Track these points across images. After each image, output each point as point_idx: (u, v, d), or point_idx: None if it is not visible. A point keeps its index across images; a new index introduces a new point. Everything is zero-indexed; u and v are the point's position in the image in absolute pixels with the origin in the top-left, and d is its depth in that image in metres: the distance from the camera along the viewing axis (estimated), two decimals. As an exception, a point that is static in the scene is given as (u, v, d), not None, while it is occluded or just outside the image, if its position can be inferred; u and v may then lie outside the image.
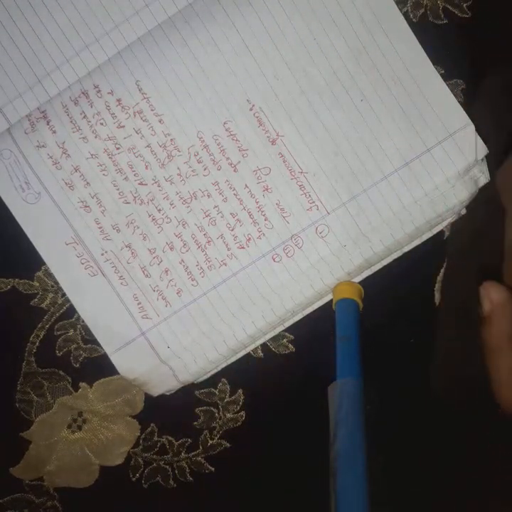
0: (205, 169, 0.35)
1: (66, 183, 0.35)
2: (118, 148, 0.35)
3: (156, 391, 0.37)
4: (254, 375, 0.38)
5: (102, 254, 0.36)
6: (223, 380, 0.38)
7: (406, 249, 0.36)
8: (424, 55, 0.34)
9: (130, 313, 0.36)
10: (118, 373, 0.36)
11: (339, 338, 0.33)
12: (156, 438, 0.39)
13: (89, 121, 0.35)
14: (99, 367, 0.37)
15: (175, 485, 0.39)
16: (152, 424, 0.39)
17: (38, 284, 0.37)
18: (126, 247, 0.36)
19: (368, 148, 0.35)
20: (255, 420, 0.39)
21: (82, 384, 0.38)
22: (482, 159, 0.35)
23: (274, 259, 0.36)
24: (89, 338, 0.37)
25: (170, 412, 0.38)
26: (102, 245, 0.36)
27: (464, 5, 0.35)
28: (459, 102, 0.35)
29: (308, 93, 0.35)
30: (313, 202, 0.35)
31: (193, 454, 0.39)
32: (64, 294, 0.37)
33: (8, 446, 0.39)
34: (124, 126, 0.35)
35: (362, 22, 0.34)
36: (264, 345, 0.38)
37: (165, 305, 0.36)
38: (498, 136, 0.34)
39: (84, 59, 0.35)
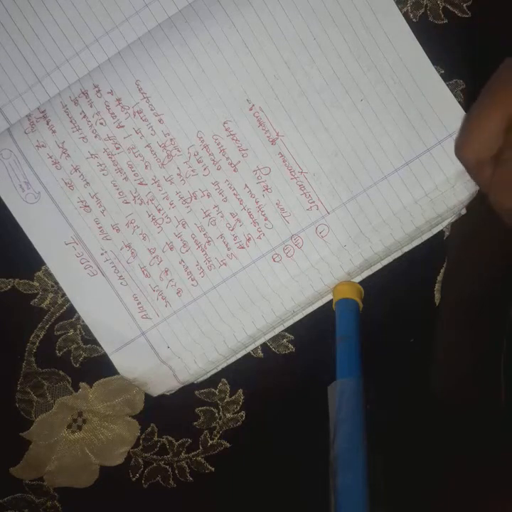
0: (205, 169, 0.35)
1: (66, 183, 0.35)
2: (118, 148, 0.35)
3: (156, 391, 0.37)
4: (254, 375, 0.38)
5: (102, 254, 0.36)
6: (223, 380, 0.38)
7: (406, 249, 0.36)
8: (424, 55, 0.34)
9: (130, 313, 0.36)
10: (118, 373, 0.36)
11: (339, 337, 0.33)
12: (156, 438, 0.39)
13: (89, 121, 0.35)
14: (99, 367, 0.37)
15: (175, 485, 0.39)
16: (152, 424, 0.39)
17: (38, 284, 0.37)
18: (126, 247, 0.36)
19: (367, 148, 0.35)
20: (255, 420, 0.39)
21: (82, 384, 0.38)
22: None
23: (274, 259, 0.36)
24: (89, 338, 0.37)
25: (170, 412, 0.38)
26: (102, 245, 0.36)
27: (464, 5, 0.35)
28: (458, 102, 0.35)
29: (308, 93, 0.35)
30: (313, 202, 0.35)
31: (193, 454, 0.39)
32: (64, 294, 0.37)
33: (8, 446, 0.39)
34: (123, 126, 0.35)
35: (362, 22, 0.34)
36: (264, 345, 0.38)
37: (165, 305, 0.36)
38: None
39: (84, 59, 0.35)
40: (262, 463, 0.39)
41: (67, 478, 0.39)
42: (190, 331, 0.36)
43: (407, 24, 0.34)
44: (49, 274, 0.37)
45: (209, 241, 0.36)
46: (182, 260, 0.36)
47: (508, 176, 0.28)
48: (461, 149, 0.32)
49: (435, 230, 0.36)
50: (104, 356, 0.36)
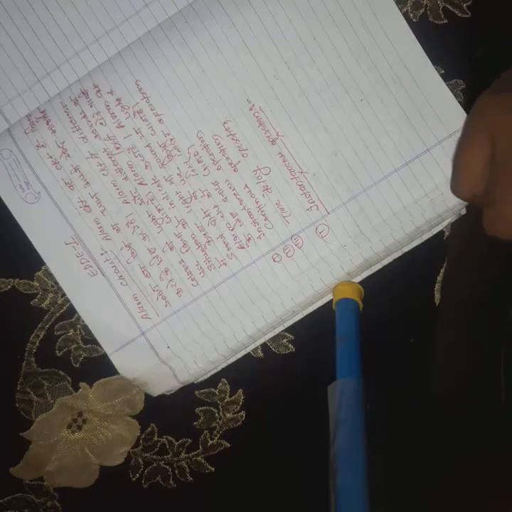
0: (204, 169, 0.35)
1: (66, 183, 0.35)
2: (118, 148, 0.35)
3: (156, 391, 0.37)
4: (254, 375, 0.38)
5: (102, 254, 0.36)
6: (223, 380, 0.38)
7: (406, 249, 0.36)
8: (424, 55, 0.34)
9: (130, 313, 0.36)
10: (118, 373, 0.36)
11: (339, 337, 0.33)
12: (156, 438, 0.39)
13: (89, 121, 0.35)
14: (99, 367, 0.37)
15: (175, 485, 0.39)
16: (152, 424, 0.39)
17: (38, 284, 0.37)
18: (126, 247, 0.36)
19: (367, 148, 0.35)
20: (255, 420, 0.39)
21: (82, 384, 0.38)
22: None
23: (274, 259, 0.36)
24: (89, 338, 0.37)
25: (170, 412, 0.38)
26: (102, 245, 0.36)
27: (464, 5, 0.35)
28: (459, 102, 0.35)
29: (308, 93, 0.35)
30: (313, 202, 0.35)
31: (193, 454, 0.39)
32: (64, 294, 0.37)
33: (8, 446, 0.39)
34: (123, 126, 0.35)
35: (362, 22, 0.34)
36: (264, 345, 0.38)
37: (165, 305, 0.36)
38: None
39: (84, 59, 0.35)
40: (262, 463, 0.39)
41: (67, 478, 0.39)
42: (190, 331, 0.36)
43: (407, 24, 0.34)
44: (49, 274, 0.37)
45: (209, 241, 0.36)
46: (182, 260, 0.36)
47: (497, 215, 0.29)
48: (455, 190, 0.33)
49: (435, 230, 0.36)
50: (104, 356, 0.36)
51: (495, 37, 0.36)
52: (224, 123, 0.35)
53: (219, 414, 0.38)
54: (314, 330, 0.37)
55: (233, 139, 0.35)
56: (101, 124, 0.35)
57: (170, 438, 0.39)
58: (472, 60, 0.36)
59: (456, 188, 0.33)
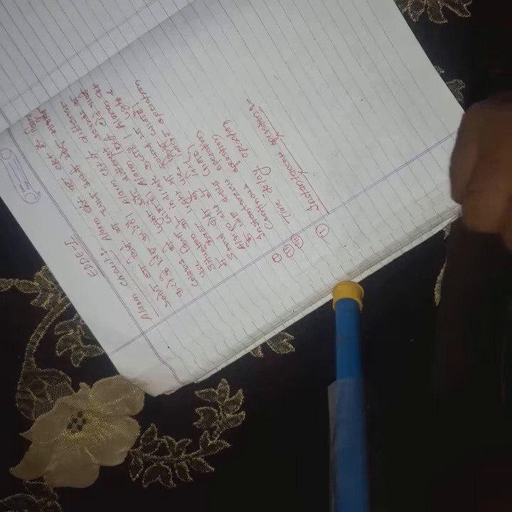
0: (205, 169, 0.35)
1: (66, 183, 0.35)
2: (118, 148, 0.35)
3: (156, 391, 0.37)
4: (254, 375, 0.38)
5: (102, 254, 0.36)
6: (223, 380, 0.38)
7: (406, 249, 0.36)
8: (424, 55, 0.34)
9: (130, 313, 0.36)
10: (118, 373, 0.36)
11: (339, 338, 0.33)
12: (156, 438, 0.39)
13: (89, 121, 0.35)
14: (99, 367, 0.37)
15: (175, 485, 0.39)
16: (152, 424, 0.39)
17: (38, 284, 0.37)
18: (126, 247, 0.36)
19: (367, 148, 0.35)
20: (255, 420, 0.39)
21: (82, 384, 0.38)
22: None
23: (274, 259, 0.36)
24: (89, 338, 0.37)
25: (170, 412, 0.38)
26: (102, 245, 0.36)
27: (464, 5, 0.35)
28: (459, 102, 0.35)
29: (308, 93, 0.35)
30: (313, 202, 0.35)
31: (193, 454, 0.39)
32: (64, 294, 0.37)
33: (8, 446, 0.39)
34: (123, 126, 0.35)
35: (362, 22, 0.34)
36: (264, 345, 0.38)
37: (165, 305, 0.36)
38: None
39: (84, 59, 0.35)
40: (262, 463, 0.39)
41: (67, 478, 0.39)
42: (190, 331, 0.36)
43: (407, 24, 0.34)
44: (49, 274, 0.37)
45: (209, 241, 0.36)
46: (182, 260, 0.36)
47: (475, 205, 0.29)
48: (452, 197, 0.34)
49: (435, 230, 0.36)
50: (104, 356, 0.36)
51: (495, 37, 0.36)
52: (224, 123, 0.35)
53: (219, 414, 0.38)
54: (314, 330, 0.37)
55: (233, 139, 0.35)
56: (101, 124, 0.35)
57: (170, 438, 0.39)
58: (472, 60, 0.36)
59: (452, 194, 0.34)
